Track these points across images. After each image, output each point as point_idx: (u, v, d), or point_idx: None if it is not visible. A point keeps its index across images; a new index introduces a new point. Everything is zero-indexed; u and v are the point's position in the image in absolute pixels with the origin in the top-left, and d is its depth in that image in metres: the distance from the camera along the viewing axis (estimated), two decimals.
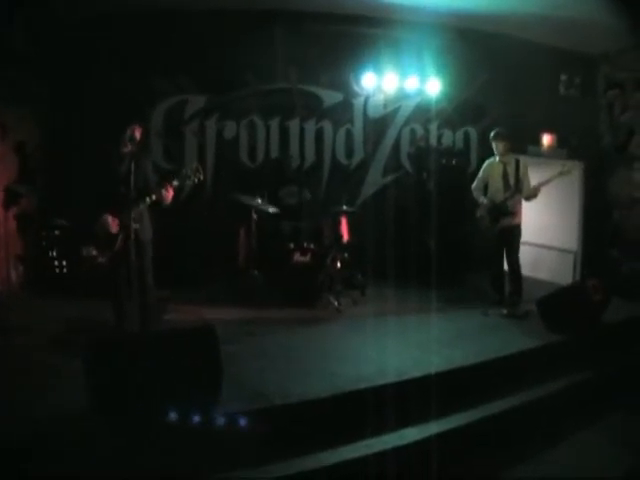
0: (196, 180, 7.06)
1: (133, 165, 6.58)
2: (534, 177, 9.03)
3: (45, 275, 10.08)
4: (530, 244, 9.23)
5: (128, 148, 6.89)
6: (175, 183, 6.86)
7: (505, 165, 9.06)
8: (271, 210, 9.40)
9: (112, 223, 6.75)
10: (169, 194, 6.83)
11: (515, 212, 9.00)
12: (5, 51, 9.39)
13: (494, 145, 9.14)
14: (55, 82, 10.42)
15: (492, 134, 9.20)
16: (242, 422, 5.11)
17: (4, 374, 5.97)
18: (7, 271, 9.64)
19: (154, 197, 6.77)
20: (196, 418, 4.97)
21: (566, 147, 11.48)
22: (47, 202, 10.48)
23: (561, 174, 8.80)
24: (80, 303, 8.59)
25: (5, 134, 9.62)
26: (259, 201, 9.32)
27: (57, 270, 10.09)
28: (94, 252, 8.78)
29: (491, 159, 9.28)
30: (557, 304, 8.12)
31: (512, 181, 8.97)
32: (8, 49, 9.49)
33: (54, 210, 10.29)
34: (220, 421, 5.05)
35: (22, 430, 4.76)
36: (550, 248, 11.04)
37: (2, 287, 9.21)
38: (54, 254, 10.11)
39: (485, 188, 9.25)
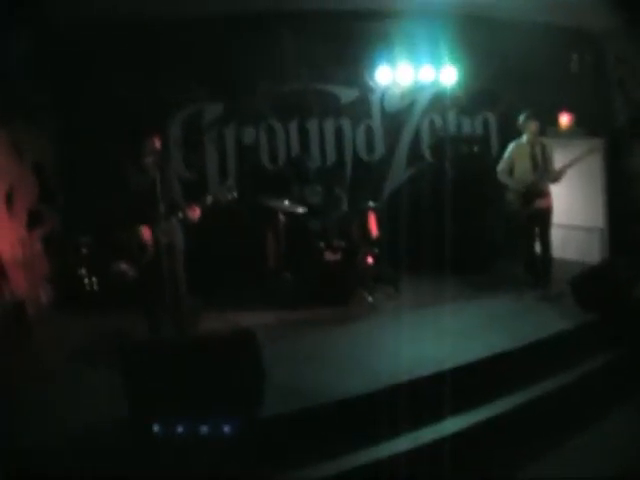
0: (229, 197, 7.13)
1: (158, 176, 6.61)
2: (557, 159, 9.02)
3: (75, 294, 10.10)
4: (555, 225, 9.23)
5: (150, 159, 6.92)
6: (204, 203, 6.96)
7: (532, 147, 9.04)
8: (298, 211, 9.44)
9: (143, 236, 6.81)
10: (196, 213, 6.92)
11: (547, 193, 9.00)
12: (19, 71, 9.38)
13: (525, 127, 9.10)
14: (70, 98, 10.44)
15: (523, 116, 9.15)
16: (284, 424, 5.21)
17: (41, 391, 6.08)
18: (36, 292, 9.65)
19: (181, 215, 6.88)
20: (238, 423, 5.03)
21: (584, 126, 11.47)
22: (71, 221, 10.51)
23: (590, 152, 8.85)
24: (113, 319, 8.63)
25: (22, 155, 9.66)
26: (285, 203, 9.38)
27: (87, 288, 10.10)
28: (124, 267, 8.78)
29: (518, 141, 9.25)
30: (589, 283, 8.10)
31: (540, 163, 8.96)
32: (22, 68, 9.49)
33: (79, 228, 10.29)
34: (262, 424, 5.13)
35: (58, 445, 4.86)
36: (575, 228, 10.97)
37: (32, 309, 9.17)
38: (83, 272, 10.11)
39: (511, 171, 9.25)
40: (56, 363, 7.17)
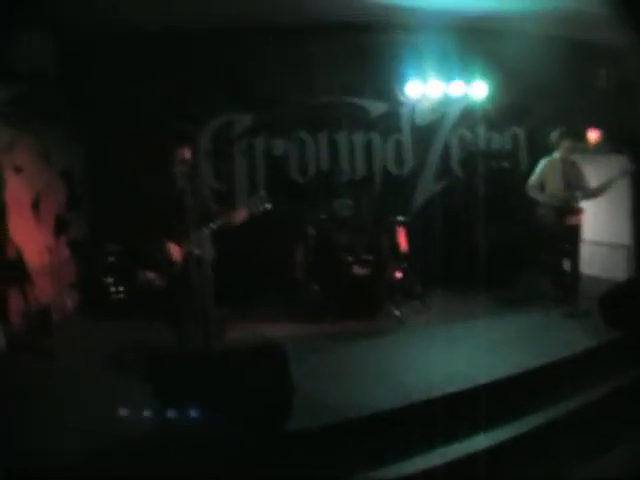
0: (262, 208, 7.05)
1: (188, 186, 6.64)
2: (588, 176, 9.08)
3: (100, 301, 10.15)
4: (582, 241, 9.24)
5: (180, 169, 6.91)
6: (235, 214, 6.94)
7: (564, 164, 9.07)
8: (326, 223, 9.50)
9: (172, 247, 6.81)
10: (226, 224, 6.88)
11: (579, 210, 9.00)
12: (49, 79, 9.53)
13: (559, 144, 9.13)
14: (100, 107, 10.51)
15: (556, 133, 9.17)
16: (317, 438, 5.19)
17: (68, 396, 6.10)
18: (62, 298, 9.75)
19: (211, 226, 6.83)
20: (265, 436, 5.03)
21: (609, 142, 11.43)
22: (98, 228, 10.59)
23: (627, 172, 8.96)
24: (137, 327, 8.68)
25: (50, 162, 9.77)
26: (314, 215, 9.48)
27: (113, 295, 10.15)
28: (151, 276, 8.74)
29: (550, 157, 9.24)
30: (617, 301, 8.03)
31: (573, 180, 9.00)
32: (53, 76, 9.63)
33: (106, 236, 10.34)
34: (289, 438, 5.12)
35: (87, 449, 4.89)
36: (601, 244, 10.86)
37: (57, 314, 9.30)
38: (109, 280, 10.17)
39: (541, 187, 9.22)
40: (78, 369, 7.18)
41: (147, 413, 4.99)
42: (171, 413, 4.92)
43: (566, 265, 9.24)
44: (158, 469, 4.73)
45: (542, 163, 9.33)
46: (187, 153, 6.98)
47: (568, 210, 8.92)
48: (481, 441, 5.71)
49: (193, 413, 4.90)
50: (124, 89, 10.31)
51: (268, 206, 7.10)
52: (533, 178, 9.34)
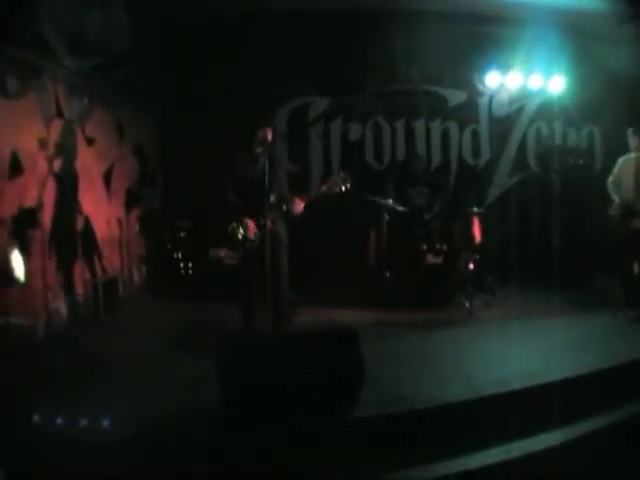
0: (342, 188, 7.09)
1: (267, 167, 6.63)
2: None
3: (169, 276, 10.42)
4: None
5: (260, 150, 6.98)
6: (314, 193, 7.13)
7: (638, 163, 8.85)
8: (402, 210, 9.53)
9: (249, 227, 6.88)
10: (301, 206, 6.95)
11: None
12: (130, 55, 9.79)
13: (631, 140, 8.93)
14: (180, 85, 10.80)
15: (631, 129, 8.96)
16: (381, 425, 5.17)
17: (129, 374, 6.14)
18: (130, 272, 9.97)
19: (286, 208, 6.93)
20: (335, 421, 5.04)
21: None
22: (170, 204, 10.87)
23: None
24: (206, 305, 8.86)
25: (123, 136, 9.95)
26: (390, 201, 9.49)
27: (182, 272, 10.42)
28: (223, 254, 8.68)
29: (626, 156, 9.07)
30: None
31: None
32: (134, 53, 9.89)
33: (178, 212, 10.62)
34: (357, 425, 5.08)
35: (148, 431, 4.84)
36: None
37: (124, 287, 9.50)
38: (179, 255, 10.42)
39: (618, 186, 9.09)
40: (141, 344, 7.38)
41: (210, 395, 4.93)
42: (236, 395, 4.82)
43: (636, 268, 9.05)
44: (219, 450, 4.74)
45: (620, 161, 9.18)
46: (268, 134, 7.03)
47: (635, 211, 8.71)
48: (545, 440, 5.70)
49: (260, 398, 4.80)
50: (202, 68, 10.59)
51: (348, 186, 7.14)
52: (612, 176, 9.20)
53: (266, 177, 6.63)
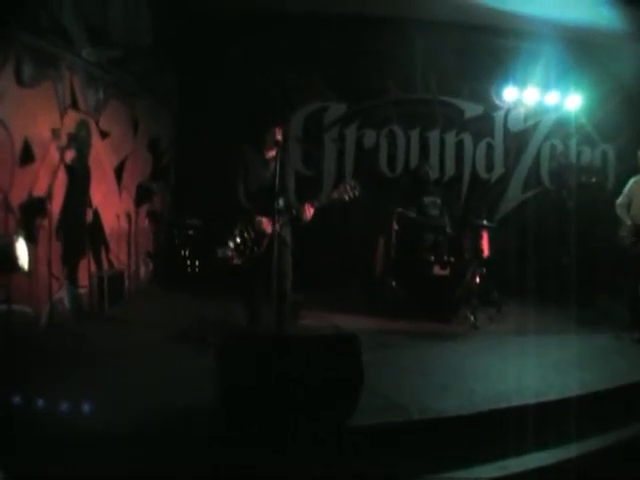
0: (351, 196, 7.00)
1: (277, 169, 6.60)
2: None
3: (176, 273, 10.45)
4: None
5: (272, 151, 6.94)
6: (322, 199, 6.98)
7: None
8: (411, 219, 9.50)
9: (257, 227, 6.86)
10: (310, 211, 6.88)
11: None
12: (149, 51, 9.83)
13: None
14: (196, 82, 10.83)
15: None
16: (381, 435, 5.14)
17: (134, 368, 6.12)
18: (136, 267, 9.98)
19: (295, 212, 6.88)
20: (333, 428, 4.99)
21: None
22: (180, 201, 10.92)
23: None
24: (210, 303, 8.78)
25: (137, 130, 9.95)
26: (399, 210, 9.47)
27: (189, 269, 10.46)
28: (230, 254, 8.74)
29: (637, 176, 8.99)
30: None
31: None
32: (152, 49, 9.92)
33: (187, 209, 10.65)
34: (354, 432, 5.05)
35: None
36: None
37: (130, 282, 9.51)
38: (186, 253, 10.46)
39: (629, 207, 9.00)
40: (143, 338, 7.38)
41: (209, 391, 4.92)
42: (234, 393, 4.80)
43: None
44: (215, 448, 4.73)
45: (630, 182, 9.10)
46: (280, 136, 6.97)
47: None
48: (538, 459, 5.66)
49: (259, 399, 4.79)
50: (220, 67, 10.72)
51: (357, 194, 7.07)
52: (622, 196, 9.11)
53: (277, 181, 6.59)
